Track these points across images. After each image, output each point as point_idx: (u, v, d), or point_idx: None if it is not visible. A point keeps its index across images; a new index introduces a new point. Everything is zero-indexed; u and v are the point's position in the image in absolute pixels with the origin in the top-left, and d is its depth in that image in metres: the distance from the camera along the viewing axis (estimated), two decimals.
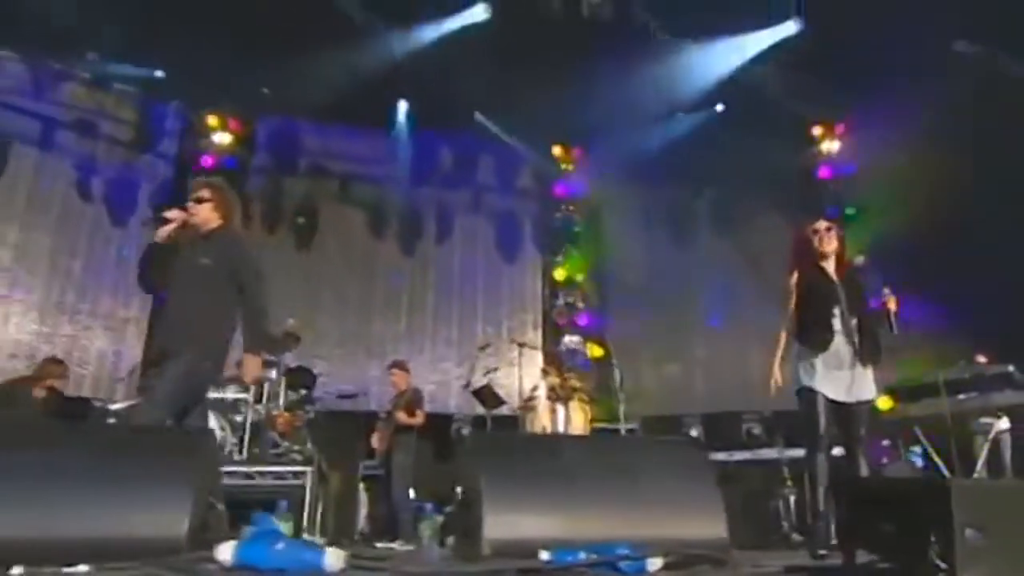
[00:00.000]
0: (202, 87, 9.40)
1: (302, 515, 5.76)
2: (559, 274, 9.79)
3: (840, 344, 3.78)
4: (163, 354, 3.43)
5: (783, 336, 4.11)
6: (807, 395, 3.78)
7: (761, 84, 8.98)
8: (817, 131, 9.67)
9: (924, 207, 7.58)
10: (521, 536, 1.74)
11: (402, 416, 6.29)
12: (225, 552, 1.79)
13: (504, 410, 7.40)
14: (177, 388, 3.31)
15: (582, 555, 1.69)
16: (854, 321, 3.81)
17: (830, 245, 3.94)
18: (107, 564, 1.54)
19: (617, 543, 1.70)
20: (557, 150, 10.12)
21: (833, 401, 3.72)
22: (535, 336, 9.70)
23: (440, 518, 3.20)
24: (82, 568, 1.55)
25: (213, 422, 6.13)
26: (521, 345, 7.53)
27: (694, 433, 9.52)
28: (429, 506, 3.38)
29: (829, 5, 8.15)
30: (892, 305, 3.91)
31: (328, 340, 9.34)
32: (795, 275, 4.07)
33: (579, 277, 9.93)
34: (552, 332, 9.85)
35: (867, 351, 3.77)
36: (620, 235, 10.04)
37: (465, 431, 8.72)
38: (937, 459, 5.78)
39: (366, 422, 7.75)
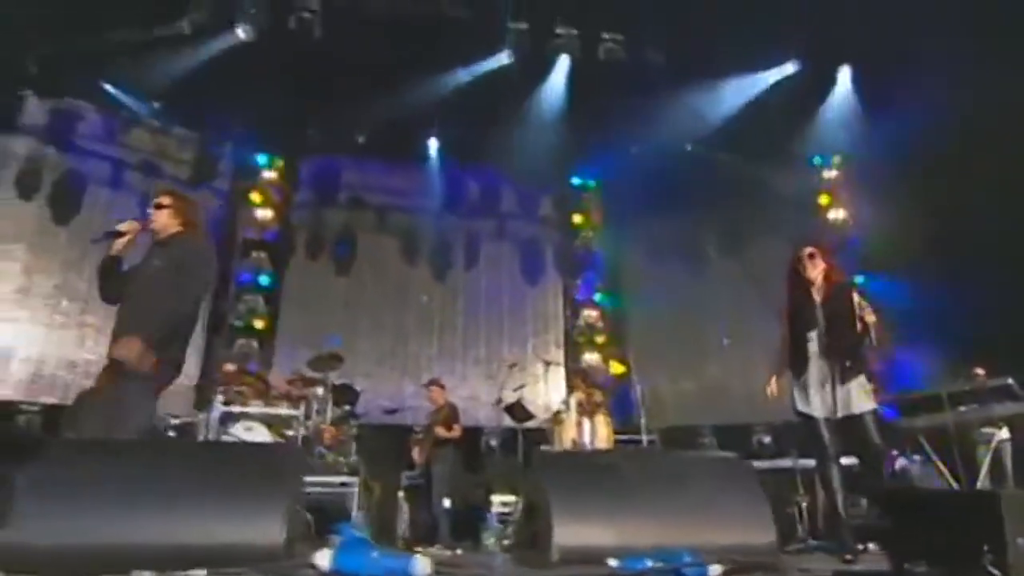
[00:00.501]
0: (252, 130, 9.62)
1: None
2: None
3: (822, 364, 3.73)
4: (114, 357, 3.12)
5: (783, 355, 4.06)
6: (804, 418, 3.76)
7: (763, 119, 9.01)
8: (817, 161, 9.62)
9: (921, 228, 7.54)
10: (588, 544, 1.74)
11: (441, 430, 6.30)
12: (323, 559, 1.81)
13: (532, 423, 7.36)
14: (146, 391, 3.14)
15: (648, 562, 1.70)
16: (831, 339, 3.72)
17: (814, 271, 3.88)
18: (221, 569, 1.56)
19: (679, 550, 1.71)
20: (576, 182, 10.17)
21: (831, 419, 3.64)
22: (558, 353, 9.67)
23: (501, 527, 3.15)
24: (199, 572, 1.58)
25: (266, 436, 6.20)
26: (548, 363, 7.51)
27: (707, 443, 9.51)
28: (492, 516, 3.34)
29: (826, 49, 8.23)
30: (870, 318, 3.77)
31: (366, 360, 9.36)
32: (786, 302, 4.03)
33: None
34: (573, 350, 9.82)
35: (846, 368, 3.66)
36: (635, 261, 10.03)
37: (494, 443, 8.72)
38: (943, 468, 5.69)
39: (403, 436, 7.78)
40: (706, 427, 9.44)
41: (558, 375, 9.49)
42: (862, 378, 3.73)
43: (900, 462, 6.58)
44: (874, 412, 3.71)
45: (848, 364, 3.66)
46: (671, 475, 1.96)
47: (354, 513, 3.96)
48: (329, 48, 8.24)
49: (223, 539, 1.68)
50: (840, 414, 3.63)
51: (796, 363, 3.83)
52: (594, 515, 1.79)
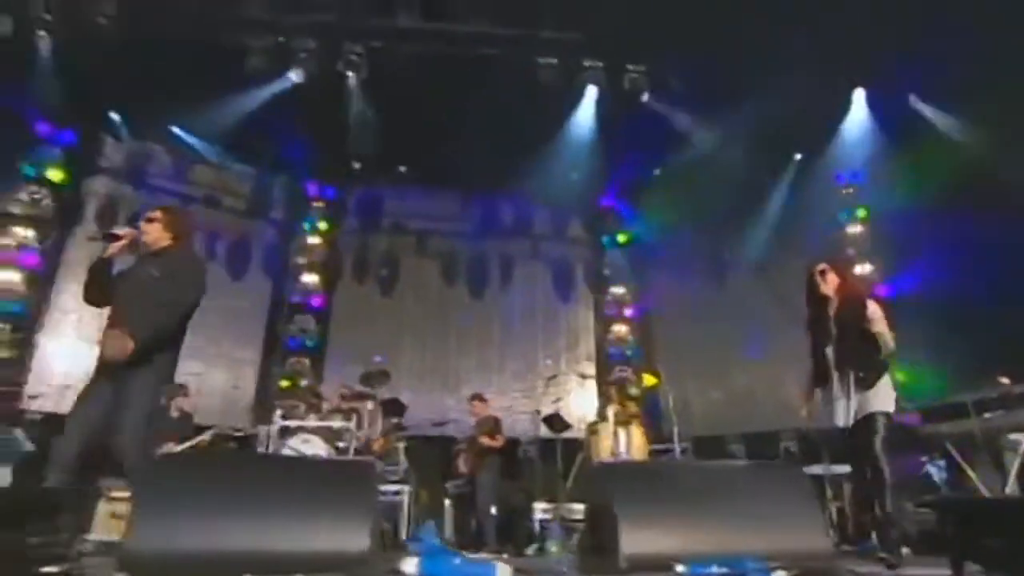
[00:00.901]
0: (303, 164, 9.86)
1: (398, 527, 5.82)
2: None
3: (836, 377, 3.69)
4: (109, 366, 3.01)
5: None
6: (840, 432, 3.67)
7: (783, 139, 8.94)
8: (834, 177, 9.48)
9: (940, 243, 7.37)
10: (653, 551, 1.74)
11: (486, 440, 6.31)
12: (410, 565, 1.84)
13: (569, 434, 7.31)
14: (151, 398, 3.06)
15: (714, 568, 1.69)
16: (842, 350, 3.69)
17: (827, 286, 3.84)
18: (317, 575, 1.60)
19: (742, 557, 1.70)
20: (603, 204, 10.19)
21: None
22: (589, 366, 9.64)
23: (564, 534, 3.14)
24: None
25: (321, 448, 6.27)
26: (584, 376, 7.49)
27: (735, 451, 9.36)
28: (556, 524, 3.32)
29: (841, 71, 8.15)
30: (878, 328, 3.69)
31: (410, 374, 9.42)
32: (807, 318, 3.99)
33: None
34: (604, 363, 9.78)
35: (859, 379, 3.61)
36: (664, 279, 9.98)
37: (531, 452, 8.68)
38: (972, 473, 5.52)
39: (446, 446, 7.81)
40: (734, 435, 9.30)
41: (590, 387, 9.46)
42: (882, 384, 3.63)
43: (928, 468, 6.38)
44: (887, 415, 3.59)
45: (860, 375, 3.60)
46: (729, 483, 1.94)
47: (428, 522, 3.89)
48: (372, 87, 8.44)
49: (315, 547, 1.72)
50: (852, 421, 3.57)
51: (820, 376, 3.80)
52: (658, 523, 1.79)
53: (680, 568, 1.69)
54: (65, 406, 7.01)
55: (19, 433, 5.65)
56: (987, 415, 5.60)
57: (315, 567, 1.63)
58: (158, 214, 3.34)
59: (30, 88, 7.41)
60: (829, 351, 3.75)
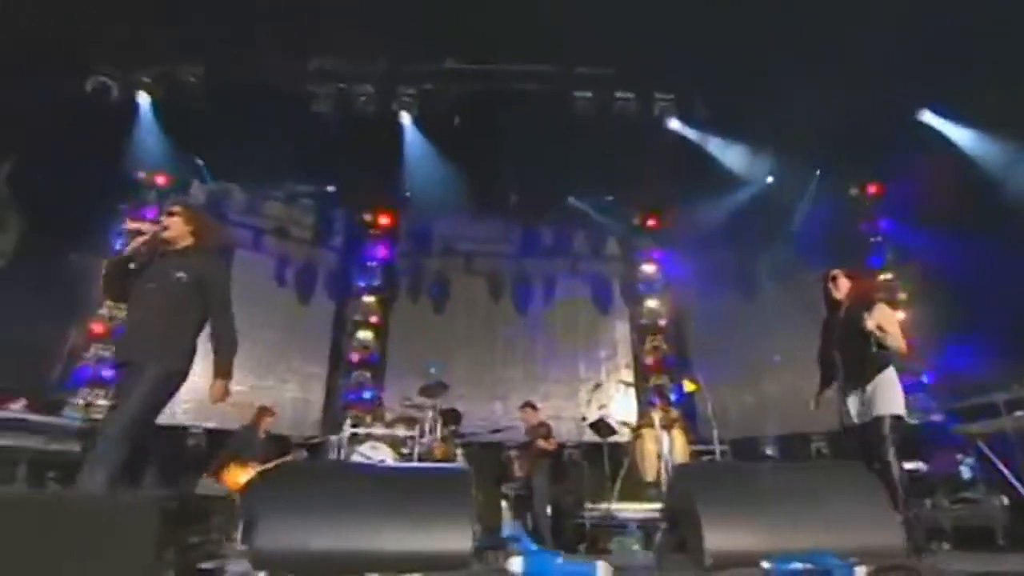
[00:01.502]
0: (361, 195, 10.11)
1: None
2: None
3: (843, 376, 3.68)
4: (129, 361, 2.92)
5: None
6: (849, 427, 3.67)
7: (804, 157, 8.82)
8: (854, 191, 9.29)
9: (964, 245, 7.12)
10: (737, 549, 1.73)
11: (541, 443, 6.31)
12: (516, 565, 1.87)
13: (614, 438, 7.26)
14: (153, 393, 2.88)
15: (797, 564, 1.68)
16: (845, 352, 3.69)
17: (838, 292, 3.84)
18: (431, 572, 1.65)
19: (824, 553, 1.68)
20: (636, 223, 10.19)
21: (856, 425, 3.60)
22: (628, 374, 9.57)
23: (641, 534, 3.12)
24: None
25: (387, 454, 6.36)
26: (625, 384, 7.43)
27: (769, 452, 9.14)
28: (634, 524, 3.30)
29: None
30: (871, 325, 3.62)
31: (461, 385, 9.41)
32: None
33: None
34: (641, 372, 9.68)
35: (857, 378, 3.60)
36: (695, 291, 9.86)
37: (576, 456, 8.62)
38: (1007, 471, 5.29)
39: (496, 451, 7.84)
40: (767, 438, 9.09)
41: (630, 394, 9.37)
42: (885, 381, 3.56)
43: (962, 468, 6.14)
44: (897, 418, 3.51)
45: (858, 374, 3.58)
46: (801, 482, 1.92)
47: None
48: (423, 122, 8.64)
49: (423, 547, 1.76)
50: (865, 418, 3.54)
51: (830, 377, 3.80)
52: (739, 521, 1.78)
53: (765, 564, 1.68)
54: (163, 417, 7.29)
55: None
56: (1019, 413, 5.41)
57: (427, 566, 1.68)
58: (178, 208, 3.21)
59: (129, 139, 7.82)
60: (836, 352, 3.72)
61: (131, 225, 3.17)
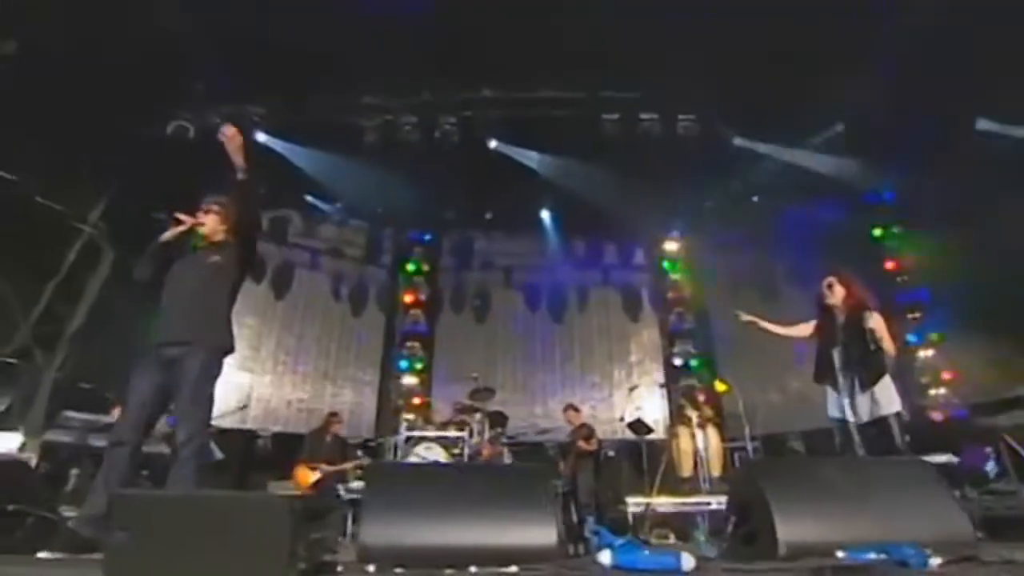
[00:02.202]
0: (406, 216, 10.28)
1: None
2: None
3: (844, 376, 3.64)
4: (175, 340, 2.80)
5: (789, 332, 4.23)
6: (835, 423, 3.68)
7: (819, 169, 8.65)
8: (868, 201, 9.05)
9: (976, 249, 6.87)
10: (811, 539, 1.70)
11: (583, 444, 6.28)
12: (606, 557, 1.86)
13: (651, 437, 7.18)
14: (209, 378, 2.81)
15: (872, 554, 1.63)
16: (848, 353, 3.67)
17: (833, 297, 3.83)
18: (527, 565, 1.66)
19: (899, 543, 1.63)
20: (662, 235, 10.12)
21: (859, 423, 3.54)
22: (660, 377, 9.46)
23: (706, 526, 3.09)
24: (512, 568, 1.69)
25: (440, 455, 6.41)
26: (660, 386, 7.35)
27: (796, 447, 8.90)
28: (700, 517, 3.28)
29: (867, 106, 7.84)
30: (872, 324, 3.63)
31: (503, 390, 9.45)
32: (815, 326, 4.01)
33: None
34: (672, 374, 9.56)
35: (861, 379, 3.58)
36: (718, 296, 9.72)
37: (612, 454, 8.53)
38: None
39: (538, 451, 7.82)
40: (794, 433, 8.88)
41: (661, 395, 9.26)
42: (884, 382, 3.57)
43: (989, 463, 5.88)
44: (898, 415, 3.54)
45: (863, 375, 3.56)
46: (865, 475, 1.87)
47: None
48: (462, 148, 8.75)
49: (512, 541, 1.77)
50: (866, 419, 3.52)
51: (824, 375, 3.77)
52: (810, 512, 1.75)
53: (840, 554, 1.64)
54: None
55: (212, 444, 6.05)
56: None
57: (519, 559, 1.69)
58: (215, 207, 3.14)
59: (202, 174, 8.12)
60: (836, 353, 3.70)
61: (177, 215, 3.08)
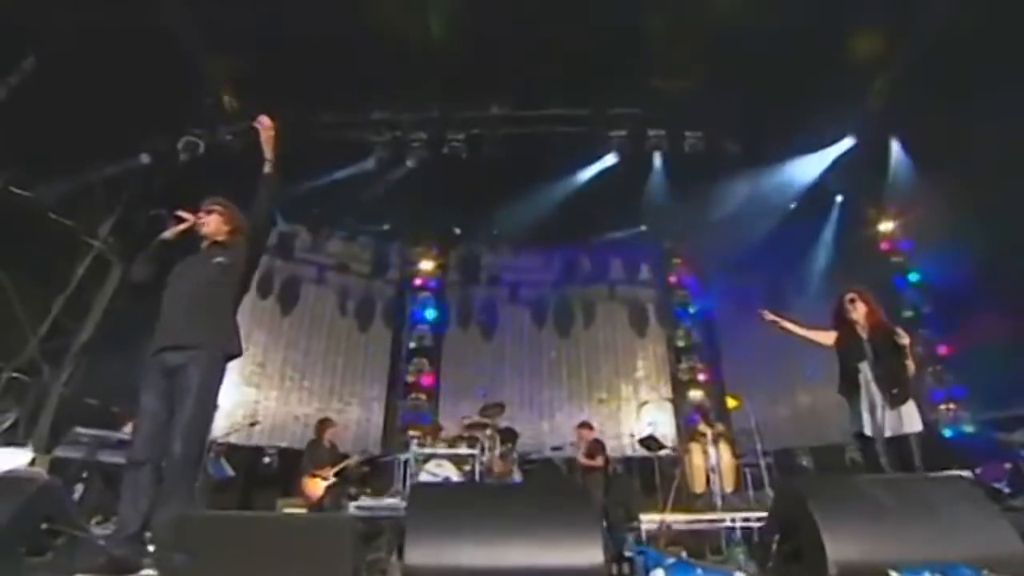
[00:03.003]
0: (413, 231, 10.31)
1: None
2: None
3: (874, 391, 3.63)
4: (179, 344, 2.66)
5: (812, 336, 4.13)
6: (860, 438, 3.68)
7: (826, 185, 8.75)
8: (872, 213, 9.12)
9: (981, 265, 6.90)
10: (861, 559, 1.67)
11: (587, 460, 6.23)
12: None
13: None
14: (212, 385, 2.70)
15: (926, 574, 1.60)
16: (880, 369, 3.64)
17: (856, 312, 3.85)
18: None
19: (954, 563, 1.60)
20: (668, 249, 10.13)
21: (884, 438, 3.54)
22: (667, 392, 9.41)
23: (744, 543, 3.06)
24: None
25: (452, 472, 6.34)
26: (668, 401, 7.31)
27: (805, 463, 8.84)
28: (737, 534, 3.25)
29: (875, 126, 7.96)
30: (905, 342, 3.68)
31: (510, 405, 9.34)
32: (835, 337, 4.00)
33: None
34: (679, 389, 9.52)
35: (893, 395, 3.57)
36: (726, 311, 9.72)
37: (619, 470, 8.45)
38: None
39: (545, 467, 7.74)
40: (803, 449, 8.85)
41: (668, 411, 9.21)
42: (911, 403, 3.59)
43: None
44: (919, 435, 3.56)
45: (895, 391, 3.55)
46: (912, 493, 1.85)
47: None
48: (470, 164, 8.79)
49: (560, 562, 1.74)
50: (889, 434, 3.53)
51: (848, 390, 3.76)
52: (859, 531, 1.71)
53: (893, 574, 1.61)
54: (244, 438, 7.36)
55: (224, 461, 6.00)
56: None
57: None
58: (218, 208, 3.04)
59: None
60: (863, 367, 3.69)
61: (178, 212, 2.93)
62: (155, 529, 2.25)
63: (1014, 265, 6.33)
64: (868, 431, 3.60)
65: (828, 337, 4.05)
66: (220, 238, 2.98)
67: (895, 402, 3.56)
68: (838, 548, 1.67)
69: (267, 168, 3.14)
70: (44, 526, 1.76)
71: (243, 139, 8.06)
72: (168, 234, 2.91)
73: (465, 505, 1.88)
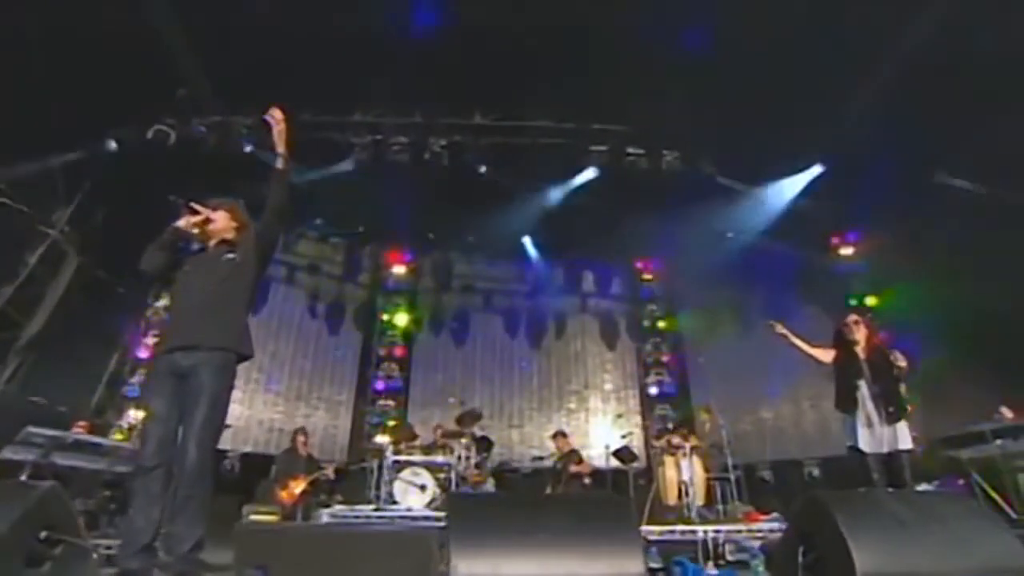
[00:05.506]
0: (387, 235, 10.13)
1: None
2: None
3: (870, 408, 3.82)
4: (190, 344, 2.57)
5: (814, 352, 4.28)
6: (853, 452, 3.85)
7: (794, 209, 9.10)
8: (835, 240, 9.56)
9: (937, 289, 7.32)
10: (890, 571, 1.72)
11: (573, 468, 6.23)
12: None
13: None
14: (227, 383, 2.67)
15: None
16: (878, 388, 3.85)
17: (857, 333, 4.07)
18: None
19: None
20: (640, 265, 10.32)
21: (877, 453, 3.74)
22: (636, 405, 9.54)
23: (763, 554, 3.07)
24: None
25: (428, 480, 6.22)
26: (636, 414, 7.39)
27: (766, 477, 9.12)
28: (757, 545, 3.26)
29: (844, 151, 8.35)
30: (902, 363, 3.95)
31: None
32: (833, 355, 4.19)
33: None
34: (647, 403, 9.67)
35: (889, 413, 3.79)
36: (693, 327, 9.95)
37: (588, 481, 8.48)
38: (996, 496, 5.34)
39: (516, 475, 7.72)
40: (764, 463, 9.13)
41: (637, 424, 9.34)
42: (904, 422, 3.80)
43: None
44: (911, 452, 3.77)
45: (891, 410, 3.78)
46: (925, 508, 1.92)
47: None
48: (450, 171, 8.73)
49: (603, 572, 1.72)
50: (886, 450, 3.72)
51: (846, 404, 3.95)
52: (884, 543, 1.76)
53: None
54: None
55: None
56: (999, 442, 5.51)
57: None
58: (225, 207, 2.93)
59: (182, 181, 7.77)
60: (861, 384, 3.89)
61: (192, 204, 2.80)
62: (170, 539, 2.11)
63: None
64: (863, 445, 3.75)
65: (827, 355, 4.21)
66: (229, 236, 2.87)
67: (891, 420, 3.76)
68: (865, 559, 1.72)
69: (279, 163, 3.00)
70: (43, 535, 1.61)
71: (217, 132, 7.78)
72: (182, 223, 2.76)
73: (504, 515, 1.84)
